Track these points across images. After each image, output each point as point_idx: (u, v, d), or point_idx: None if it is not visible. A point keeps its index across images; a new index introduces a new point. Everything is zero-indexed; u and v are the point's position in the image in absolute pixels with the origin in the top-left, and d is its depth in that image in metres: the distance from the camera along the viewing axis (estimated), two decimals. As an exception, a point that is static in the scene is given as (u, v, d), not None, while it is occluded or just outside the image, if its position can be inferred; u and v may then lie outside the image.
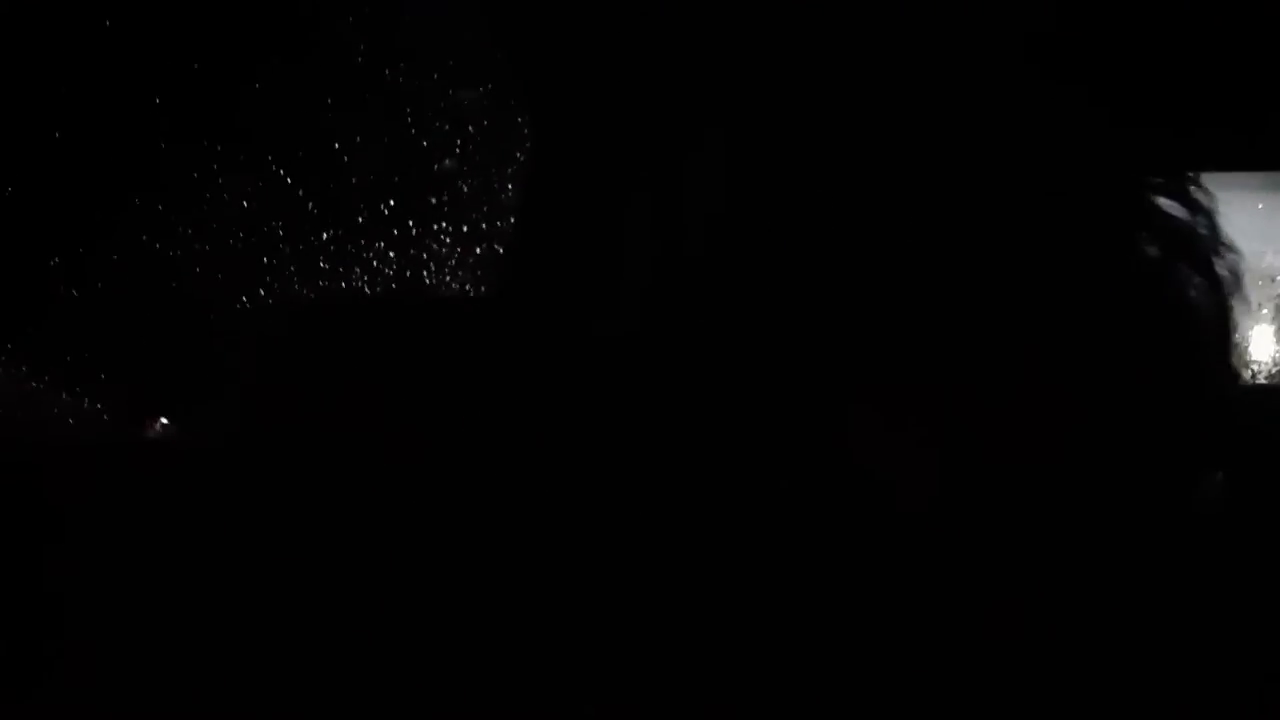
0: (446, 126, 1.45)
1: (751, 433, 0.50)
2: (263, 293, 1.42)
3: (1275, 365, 2.59)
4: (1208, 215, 0.53)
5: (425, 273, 1.47)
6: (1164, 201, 0.54)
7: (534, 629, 0.55)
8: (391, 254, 1.45)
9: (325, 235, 1.42)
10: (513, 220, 1.48)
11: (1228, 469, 0.52)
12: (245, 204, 1.41)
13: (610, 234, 1.32)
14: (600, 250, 1.32)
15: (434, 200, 1.46)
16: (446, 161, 1.46)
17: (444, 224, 1.46)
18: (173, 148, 1.39)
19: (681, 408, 0.55)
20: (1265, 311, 2.60)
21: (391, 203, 1.43)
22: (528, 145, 1.49)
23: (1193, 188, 0.54)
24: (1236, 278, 0.53)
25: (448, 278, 1.47)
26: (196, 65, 1.38)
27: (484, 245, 1.47)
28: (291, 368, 1.20)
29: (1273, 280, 2.58)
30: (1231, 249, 0.53)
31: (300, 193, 1.42)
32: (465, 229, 1.49)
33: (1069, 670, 0.47)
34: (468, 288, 1.48)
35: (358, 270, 1.43)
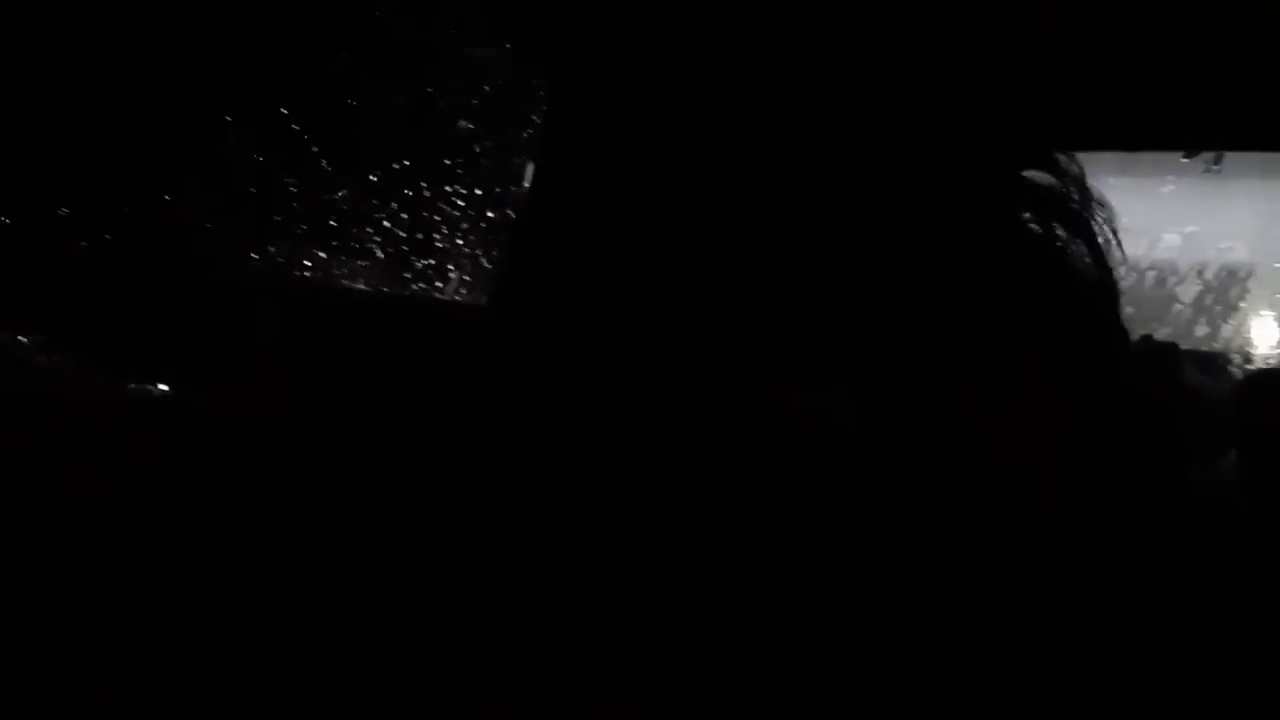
0: (462, 86, 1.43)
1: (735, 420, 0.49)
2: (273, 249, 1.41)
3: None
4: (1077, 181, 0.53)
5: (436, 235, 1.45)
6: (1034, 174, 0.53)
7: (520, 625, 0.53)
8: (404, 215, 1.43)
9: (338, 194, 1.41)
10: (526, 185, 1.46)
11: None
12: (258, 159, 1.39)
13: (627, 204, 1.31)
14: (616, 220, 1.31)
15: (448, 161, 1.44)
16: (461, 122, 1.44)
17: (457, 186, 1.44)
18: (182, 102, 1.37)
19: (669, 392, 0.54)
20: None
21: (406, 162, 1.41)
22: (544, 108, 1.47)
23: (1059, 157, 0.54)
24: (1113, 239, 0.52)
25: (459, 240, 1.45)
26: (207, 18, 1.36)
27: (496, 210, 1.45)
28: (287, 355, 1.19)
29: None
30: (1104, 207, 0.53)
31: (314, 149, 1.40)
32: (479, 191, 1.47)
33: (1066, 665, 0.46)
34: (479, 251, 1.46)
35: (369, 230, 1.41)
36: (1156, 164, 1.90)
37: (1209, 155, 1.61)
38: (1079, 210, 0.53)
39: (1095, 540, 0.45)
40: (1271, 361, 2.62)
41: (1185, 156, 1.50)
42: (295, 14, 1.41)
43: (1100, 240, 0.52)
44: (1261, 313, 2.60)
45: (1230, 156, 1.56)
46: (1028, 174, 0.53)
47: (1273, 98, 1.13)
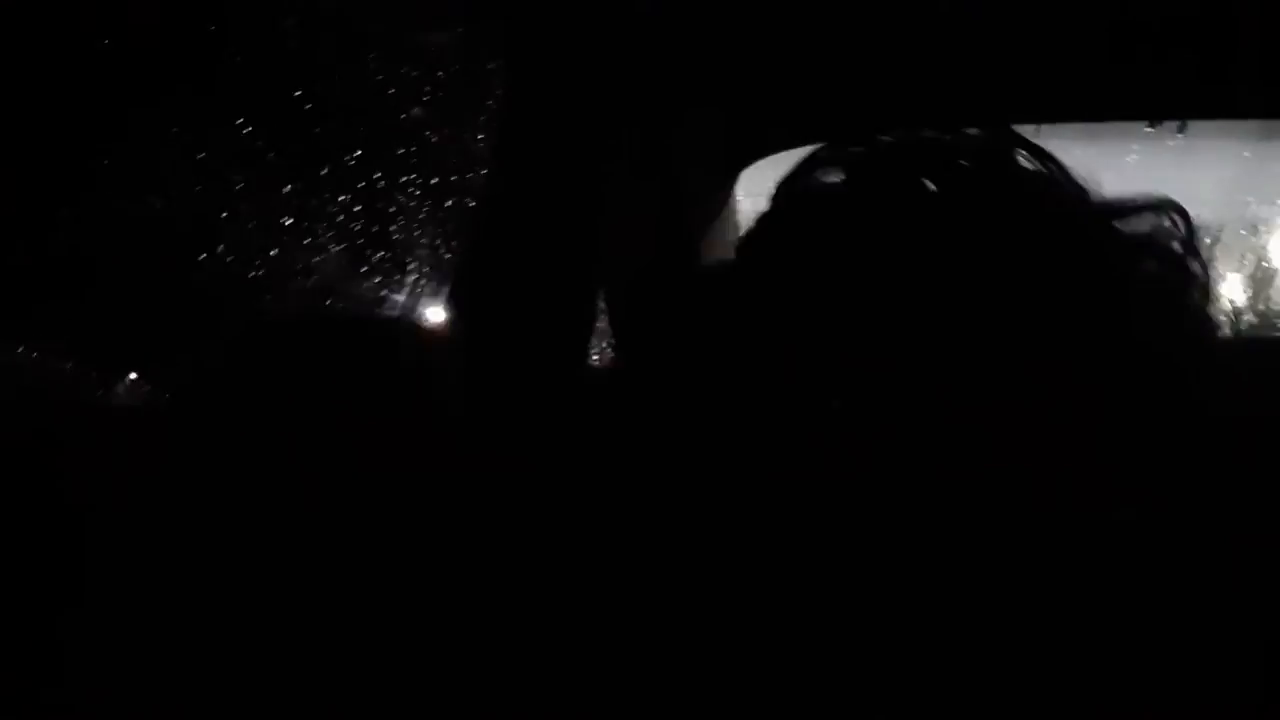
0: (415, 73, 1.39)
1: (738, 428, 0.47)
2: (221, 249, 1.36)
3: (1256, 316, 2.60)
4: (1058, 164, 0.51)
5: (393, 227, 1.41)
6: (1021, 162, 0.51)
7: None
8: (358, 208, 1.39)
9: (287, 188, 1.36)
10: (485, 172, 1.43)
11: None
12: (201, 156, 1.35)
13: (588, 188, 1.28)
14: (577, 202, 1.28)
15: (402, 151, 1.40)
16: (415, 110, 1.40)
17: (413, 175, 1.40)
18: (128, 98, 1.33)
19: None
20: (1248, 260, 2.61)
21: (358, 153, 1.37)
22: (500, 92, 1.44)
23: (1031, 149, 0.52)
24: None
25: (417, 232, 1.42)
26: (153, 12, 1.31)
27: (455, 198, 1.41)
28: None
29: (1255, 229, 2.58)
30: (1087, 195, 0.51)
31: (259, 143, 1.35)
32: (435, 181, 1.43)
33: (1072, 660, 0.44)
34: (437, 242, 1.42)
35: (322, 225, 1.37)
36: (1121, 134, 1.89)
37: (1173, 124, 1.59)
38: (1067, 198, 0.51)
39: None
40: (1241, 329, 2.64)
41: (1149, 126, 1.49)
42: (244, 4, 1.38)
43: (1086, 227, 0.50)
44: (1230, 278, 2.61)
45: (1194, 125, 1.54)
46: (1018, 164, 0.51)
47: (1235, 66, 1.12)
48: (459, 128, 1.41)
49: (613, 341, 1.33)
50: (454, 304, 1.25)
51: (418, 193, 1.43)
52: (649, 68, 1.21)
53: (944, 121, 0.55)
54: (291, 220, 1.39)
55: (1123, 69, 1.12)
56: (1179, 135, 1.83)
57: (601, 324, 1.33)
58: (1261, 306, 2.64)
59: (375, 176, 1.38)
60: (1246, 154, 2.16)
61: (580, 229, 1.27)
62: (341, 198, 1.38)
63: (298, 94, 1.34)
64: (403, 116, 1.39)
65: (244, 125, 1.32)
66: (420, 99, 1.41)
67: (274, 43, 1.38)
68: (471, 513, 0.89)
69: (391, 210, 1.39)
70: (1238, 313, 2.65)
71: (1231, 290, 2.62)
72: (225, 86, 1.31)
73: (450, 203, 1.41)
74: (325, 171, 1.37)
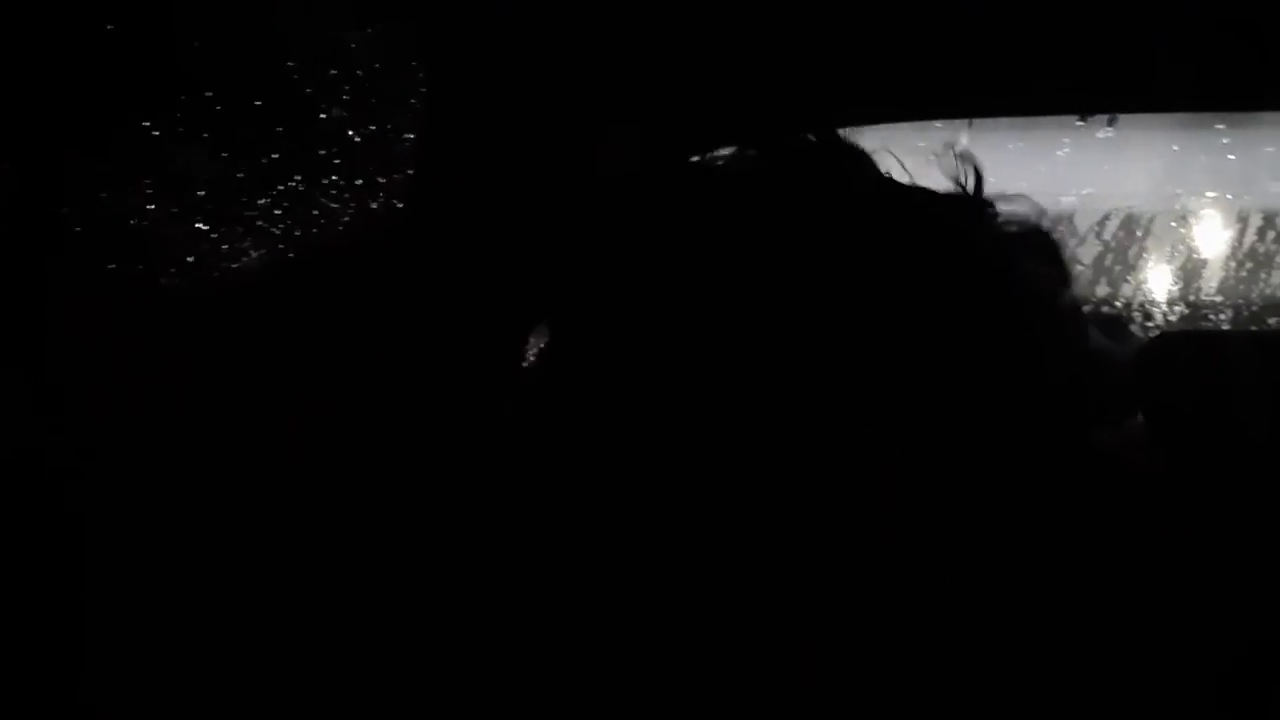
0: (333, 71, 1.34)
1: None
2: (131, 259, 1.31)
3: (1187, 306, 2.64)
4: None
5: (316, 230, 1.36)
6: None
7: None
8: (276, 212, 1.34)
9: (199, 193, 1.31)
10: (410, 172, 1.39)
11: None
12: (107, 162, 1.29)
13: (515, 184, 1.25)
14: (505, 200, 1.25)
15: (323, 152, 1.35)
16: (335, 110, 1.36)
17: (335, 177, 1.35)
18: (31, 102, 1.27)
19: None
20: (1178, 251, 2.64)
21: (274, 156, 1.32)
22: (423, 90, 1.40)
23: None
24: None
25: (342, 235, 1.37)
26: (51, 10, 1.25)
27: (380, 198, 1.37)
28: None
29: (1184, 220, 2.61)
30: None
31: (169, 148, 1.30)
32: (359, 182, 1.38)
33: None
34: (364, 245, 1.37)
35: (239, 230, 1.32)
36: (1052, 128, 1.90)
37: (1103, 117, 1.60)
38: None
39: (999, 506, 0.43)
40: (1172, 319, 2.67)
41: (1080, 120, 1.49)
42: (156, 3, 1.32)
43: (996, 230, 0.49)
44: (1160, 269, 2.64)
45: (1123, 119, 1.55)
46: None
47: (1163, 60, 1.12)
48: (381, 127, 1.37)
49: (547, 340, 1.31)
50: (384, 306, 1.21)
51: (342, 194, 1.39)
52: (571, 69, 1.19)
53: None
54: (206, 225, 1.33)
55: (1055, 64, 1.12)
56: (1109, 129, 1.84)
57: (536, 322, 1.31)
58: (1192, 297, 2.68)
59: (295, 179, 1.34)
60: (1175, 147, 2.19)
61: (508, 228, 1.24)
62: (261, 200, 1.33)
63: (209, 94, 1.29)
64: (323, 116, 1.34)
65: (152, 127, 1.26)
66: (340, 99, 1.37)
67: (183, 41, 1.32)
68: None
69: (314, 213, 1.34)
70: (1169, 303, 2.69)
71: (1162, 281, 2.66)
72: (132, 87, 1.25)
73: (375, 203, 1.36)
74: (241, 175, 1.32)
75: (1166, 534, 0.52)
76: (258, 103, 1.34)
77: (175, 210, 1.31)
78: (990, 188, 0.56)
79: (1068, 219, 2.55)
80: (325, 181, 1.38)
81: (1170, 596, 0.50)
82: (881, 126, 1.19)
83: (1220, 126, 2.02)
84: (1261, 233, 2.55)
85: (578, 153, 1.24)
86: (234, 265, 1.32)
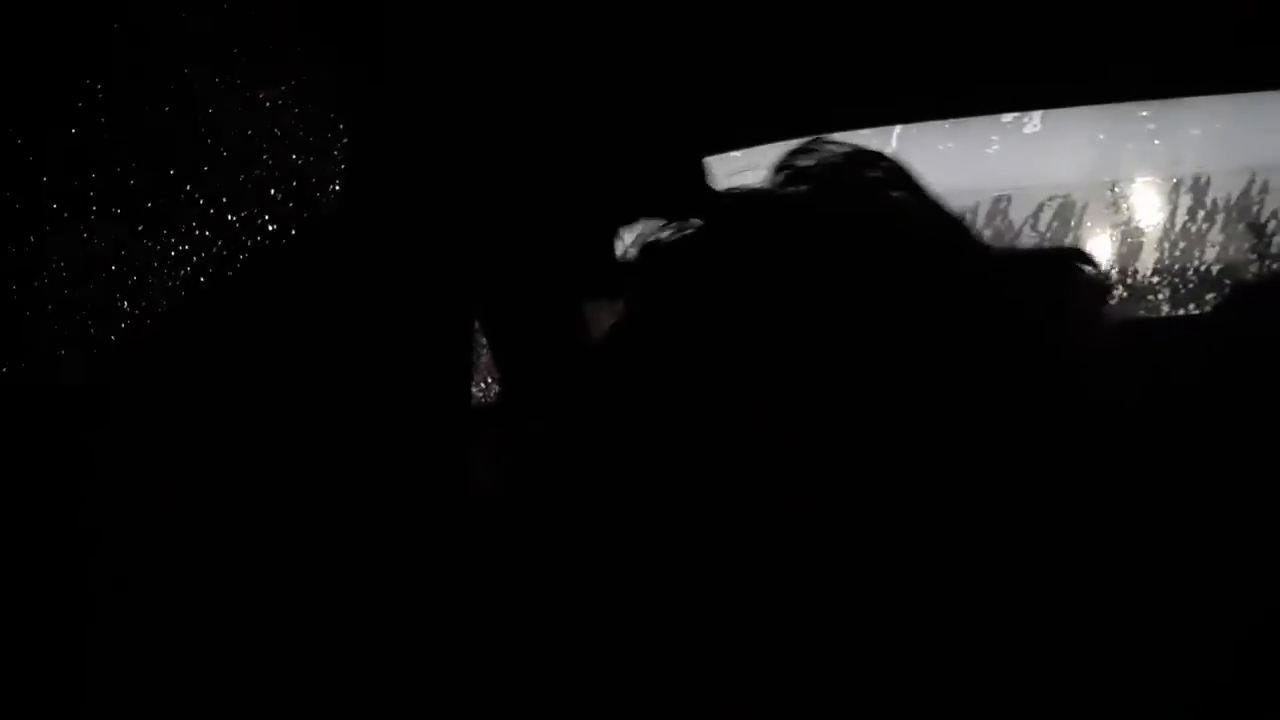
0: (249, 131, 1.30)
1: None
2: (60, 261, 1.26)
3: (1126, 290, 2.66)
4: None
5: (249, 241, 1.32)
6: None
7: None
8: (201, 279, 1.29)
9: (115, 268, 1.26)
10: (335, 222, 1.36)
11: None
12: (29, 238, 1.24)
13: (444, 234, 1.22)
14: (433, 251, 1.22)
15: (244, 214, 1.31)
16: (256, 171, 1.31)
17: (258, 238, 1.31)
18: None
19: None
20: (1113, 237, 2.67)
21: (193, 225, 1.28)
22: (344, 142, 1.37)
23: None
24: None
25: (274, 255, 1.32)
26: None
27: (306, 252, 1.32)
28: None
29: (1116, 208, 2.65)
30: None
31: (81, 226, 1.25)
32: (284, 242, 1.34)
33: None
34: (296, 265, 1.33)
35: (173, 240, 1.28)
36: (981, 127, 1.91)
37: (1030, 114, 1.60)
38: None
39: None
40: (1112, 303, 2.70)
41: (1006, 119, 1.49)
42: (88, 9, 1.28)
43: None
44: (1097, 255, 2.67)
45: (1050, 112, 1.55)
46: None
47: (1086, 56, 1.13)
48: (304, 184, 1.33)
49: (490, 352, 1.29)
50: (324, 326, 1.18)
51: (265, 253, 1.34)
52: (519, 77, 1.17)
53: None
54: (133, 299, 1.29)
55: (981, 65, 1.12)
56: (1036, 124, 1.85)
57: (478, 337, 1.28)
58: (1130, 280, 2.71)
59: (218, 244, 1.29)
60: (1101, 135, 2.21)
61: (449, 245, 1.21)
62: (182, 270, 1.28)
63: (119, 170, 1.25)
64: (241, 179, 1.30)
65: (79, 146, 1.21)
66: (260, 159, 1.33)
67: (110, 55, 1.28)
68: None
69: (243, 237, 1.30)
70: (1110, 285, 2.71)
71: (1100, 267, 2.68)
72: (56, 102, 1.21)
73: (301, 259, 1.32)
74: (157, 247, 1.27)
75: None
76: (173, 171, 1.30)
77: (87, 286, 1.26)
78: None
79: (1003, 212, 2.57)
80: (249, 242, 1.34)
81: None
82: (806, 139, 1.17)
83: (1144, 114, 2.04)
84: (1192, 212, 2.59)
85: (503, 196, 1.22)
86: (169, 280, 1.28)
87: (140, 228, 1.25)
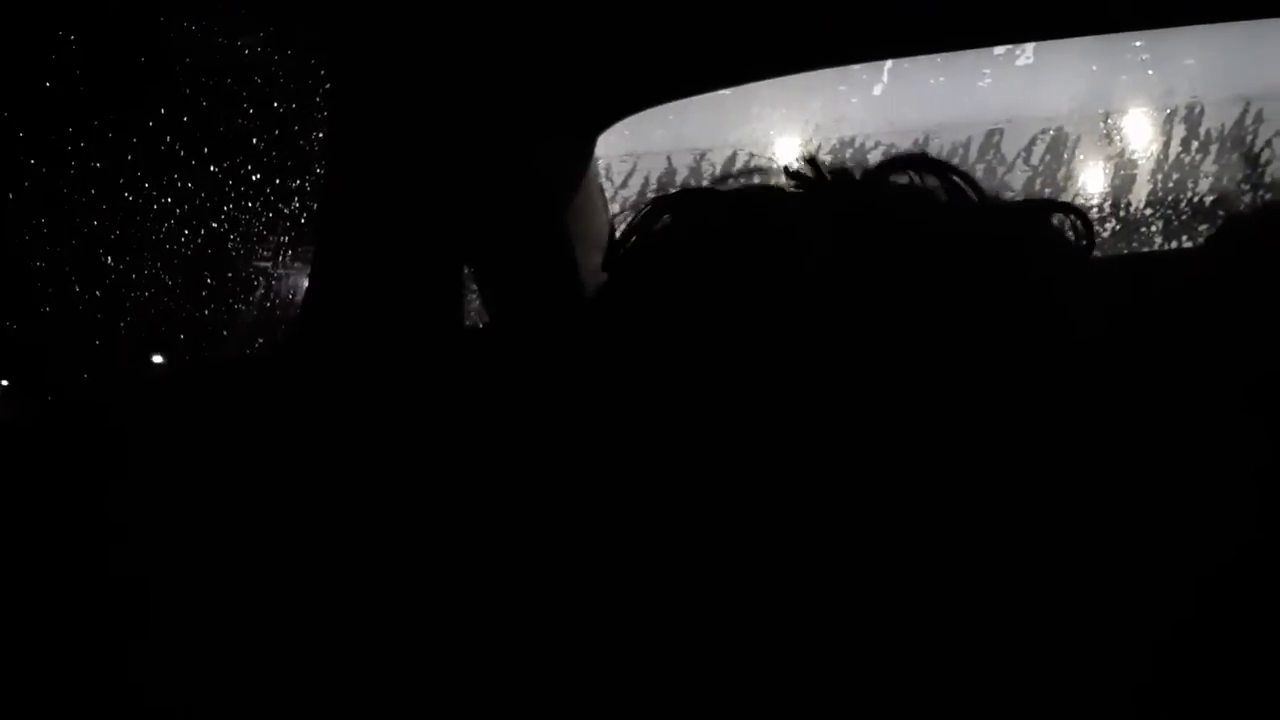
0: (229, 79, 1.28)
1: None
2: (42, 276, 1.25)
3: (1118, 222, 2.65)
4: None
5: (229, 244, 1.30)
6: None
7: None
8: (185, 232, 1.28)
9: (98, 222, 1.24)
10: (320, 173, 1.34)
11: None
12: (5, 193, 1.22)
13: (431, 182, 1.20)
14: (422, 198, 1.20)
15: (226, 164, 1.29)
16: (238, 119, 1.29)
17: (243, 188, 1.29)
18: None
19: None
20: (1105, 169, 2.66)
21: (175, 176, 1.26)
22: (327, 88, 1.34)
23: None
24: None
25: (255, 245, 1.31)
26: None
27: (295, 203, 1.31)
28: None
29: (1109, 139, 2.63)
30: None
31: (67, 176, 1.23)
32: (269, 191, 1.32)
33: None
34: (281, 249, 1.32)
35: (147, 256, 1.26)
36: (972, 60, 1.88)
37: (1022, 46, 1.57)
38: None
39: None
40: (1105, 236, 2.69)
41: (999, 51, 1.47)
42: (55, 13, 1.25)
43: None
44: (1089, 192, 2.66)
45: (1042, 44, 1.53)
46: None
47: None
48: (287, 132, 1.31)
49: (484, 319, 1.28)
50: (312, 307, 1.17)
51: (251, 205, 1.33)
52: (496, 40, 1.15)
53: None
54: (110, 257, 1.27)
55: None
56: (1028, 56, 1.83)
57: (472, 302, 1.27)
58: (1122, 213, 2.70)
59: (201, 195, 1.27)
60: (1094, 67, 2.19)
61: (434, 212, 1.20)
62: (166, 223, 1.26)
63: (103, 120, 1.22)
64: (221, 129, 1.28)
65: (54, 97, 1.19)
66: (241, 105, 1.30)
67: (84, 52, 1.25)
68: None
69: (224, 227, 1.28)
70: (1101, 220, 2.71)
71: (1093, 199, 2.67)
72: (28, 53, 1.18)
73: (289, 209, 1.31)
74: (138, 200, 1.25)
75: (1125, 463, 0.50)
76: (152, 122, 1.28)
77: (70, 240, 1.24)
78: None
79: (995, 145, 2.55)
80: (232, 193, 1.32)
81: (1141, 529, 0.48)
82: (802, 74, 1.16)
83: (1138, 44, 2.01)
84: (1185, 143, 2.57)
85: (493, 132, 1.20)
86: (149, 291, 1.26)
87: (120, 180, 1.23)
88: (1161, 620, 0.46)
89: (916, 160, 0.46)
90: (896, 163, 0.46)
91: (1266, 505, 0.53)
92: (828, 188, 0.47)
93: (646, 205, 0.47)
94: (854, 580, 0.42)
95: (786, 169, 0.47)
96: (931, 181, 0.46)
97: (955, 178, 0.46)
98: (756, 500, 0.42)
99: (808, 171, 0.47)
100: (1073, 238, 0.49)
